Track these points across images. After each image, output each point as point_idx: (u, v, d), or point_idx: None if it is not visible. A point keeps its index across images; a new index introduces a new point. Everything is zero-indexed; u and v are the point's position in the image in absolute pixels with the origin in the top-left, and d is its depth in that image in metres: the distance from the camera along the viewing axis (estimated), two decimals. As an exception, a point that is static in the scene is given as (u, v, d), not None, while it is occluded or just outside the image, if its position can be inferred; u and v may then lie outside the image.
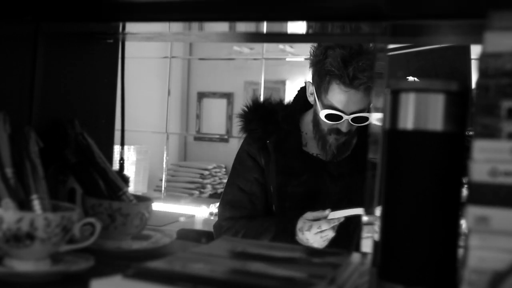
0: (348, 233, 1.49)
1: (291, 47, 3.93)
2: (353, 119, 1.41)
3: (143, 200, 0.90)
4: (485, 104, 0.54)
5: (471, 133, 0.56)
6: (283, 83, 4.05)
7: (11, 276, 0.68)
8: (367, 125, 1.43)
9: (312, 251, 0.74)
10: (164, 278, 0.56)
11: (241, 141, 1.58)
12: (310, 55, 1.48)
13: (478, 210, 0.53)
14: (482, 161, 0.53)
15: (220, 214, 1.57)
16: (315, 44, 1.45)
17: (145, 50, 3.62)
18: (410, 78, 2.20)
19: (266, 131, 1.49)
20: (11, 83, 0.92)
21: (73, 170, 0.89)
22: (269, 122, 1.50)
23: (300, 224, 1.41)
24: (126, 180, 0.93)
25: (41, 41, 0.95)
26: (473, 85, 0.56)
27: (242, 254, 0.68)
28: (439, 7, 0.69)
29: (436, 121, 0.59)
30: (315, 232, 1.37)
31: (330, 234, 1.38)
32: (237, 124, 1.57)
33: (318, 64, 1.42)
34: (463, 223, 0.56)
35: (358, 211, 1.36)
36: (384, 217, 0.62)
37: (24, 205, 0.72)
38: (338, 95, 1.40)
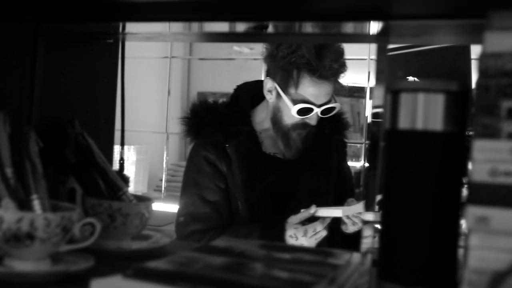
0: (338, 230, 1.49)
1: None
2: (322, 111, 1.42)
3: (143, 200, 0.90)
4: (485, 104, 0.54)
5: (471, 133, 0.56)
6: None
7: (11, 276, 0.68)
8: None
9: (312, 251, 0.74)
10: (164, 278, 0.56)
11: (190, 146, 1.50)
12: (268, 52, 1.44)
13: (478, 210, 0.53)
14: (482, 161, 0.53)
15: (182, 227, 1.45)
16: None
17: (145, 50, 3.62)
18: (410, 78, 2.20)
19: (226, 134, 1.42)
20: (11, 83, 0.92)
21: (73, 170, 0.89)
22: (227, 125, 1.43)
23: (291, 231, 1.37)
24: (126, 180, 0.93)
25: (41, 41, 0.95)
26: (473, 85, 0.56)
27: (242, 254, 0.68)
28: (439, 7, 0.69)
29: (436, 121, 0.59)
30: (311, 236, 1.36)
31: (324, 233, 1.37)
32: (182, 130, 1.47)
33: (284, 59, 1.39)
34: (463, 223, 0.56)
35: (341, 210, 1.37)
36: (384, 217, 0.62)
37: (24, 205, 0.72)
38: (310, 88, 1.39)
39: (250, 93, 1.54)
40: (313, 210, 1.37)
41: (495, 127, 0.53)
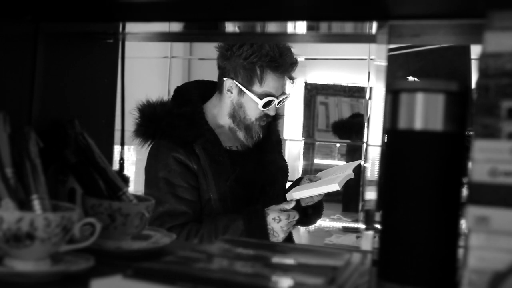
0: (305, 211, 1.64)
1: (291, 47, 3.92)
2: (279, 102, 1.57)
3: (143, 200, 0.90)
4: (485, 104, 0.54)
5: (471, 133, 0.56)
6: (283, 82, 4.04)
7: (11, 276, 0.68)
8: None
9: (312, 251, 0.74)
10: (164, 278, 0.56)
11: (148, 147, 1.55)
12: (223, 54, 1.56)
13: (478, 210, 0.53)
14: (482, 161, 0.53)
15: (158, 226, 1.49)
16: (223, 44, 1.57)
17: (145, 50, 3.62)
18: (410, 78, 2.20)
19: (194, 134, 1.50)
20: (11, 83, 0.92)
21: (73, 170, 0.89)
22: (193, 124, 1.52)
23: (274, 214, 1.48)
24: (126, 180, 0.93)
25: (41, 41, 0.95)
26: (473, 85, 0.56)
27: (241, 255, 0.68)
28: (439, 7, 0.69)
29: (436, 121, 0.59)
30: (290, 220, 1.48)
31: (297, 215, 1.50)
32: (138, 131, 1.52)
33: (247, 59, 1.51)
34: (463, 223, 0.56)
35: (336, 184, 1.48)
36: (384, 217, 0.62)
37: (24, 205, 0.72)
38: (273, 82, 1.54)
39: (199, 93, 1.62)
40: (293, 204, 1.50)
41: (495, 127, 0.53)
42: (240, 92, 1.55)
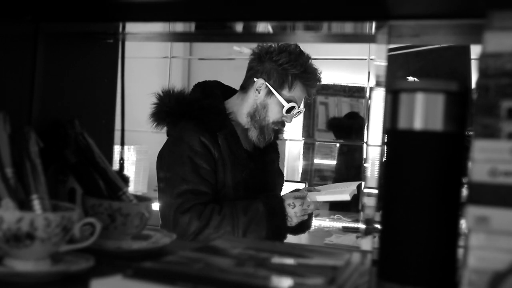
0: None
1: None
2: (297, 112, 1.67)
3: (143, 200, 0.90)
4: (485, 104, 0.54)
5: (471, 133, 0.56)
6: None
7: (11, 276, 0.68)
8: None
9: (312, 251, 0.74)
10: (164, 278, 0.56)
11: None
12: (263, 55, 1.64)
13: (478, 210, 0.53)
14: (482, 161, 0.53)
15: (183, 203, 1.51)
16: (263, 44, 1.66)
17: (145, 50, 3.62)
18: (410, 78, 2.20)
19: (220, 124, 1.59)
20: (11, 83, 0.92)
21: (73, 170, 0.89)
22: (220, 115, 1.61)
23: (290, 200, 1.57)
24: (126, 180, 0.93)
25: (41, 41, 0.95)
26: (473, 85, 0.56)
27: (241, 255, 0.68)
28: (439, 7, 0.69)
29: (436, 121, 0.59)
30: (305, 208, 1.58)
31: (313, 209, 1.63)
32: (162, 112, 1.60)
33: (283, 65, 1.61)
34: (463, 223, 0.56)
35: (347, 194, 1.62)
36: (384, 217, 0.62)
37: (24, 205, 0.72)
38: (299, 92, 1.65)
39: (220, 91, 1.71)
40: (306, 193, 1.61)
41: (495, 127, 0.53)
42: (268, 93, 1.64)
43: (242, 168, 1.59)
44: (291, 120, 1.68)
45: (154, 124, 1.64)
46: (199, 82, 1.74)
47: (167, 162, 1.60)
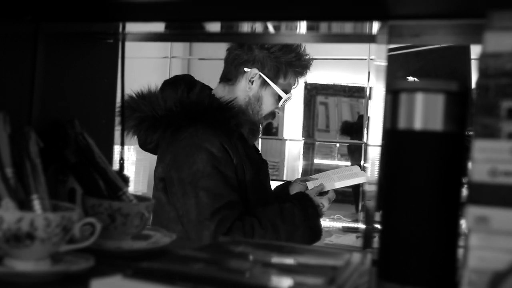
0: None
1: None
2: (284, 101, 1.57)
3: (143, 200, 0.90)
4: (485, 104, 0.54)
5: (471, 133, 0.56)
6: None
7: (11, 276, 0.68)
8: None
9: (312, 251, 0.74)
10: (163, 278, 0.56)
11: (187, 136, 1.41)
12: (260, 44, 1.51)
13: (478, 210, 0.53)
14: (482, 161, 0.53)
15: (222, 222, 1.34)
16: None
17: (145, 50, 3.62)
18: (410, 78, 2.20)
19: (237, 124, 1.45)
20: (11, 83, 0.92)
21: (73, 170, 0.89)
22: (232, 116, 1.44)
23: (317, 201, 1.52)
24: (126, 180, 0.93)
25: (41, 41, 0.95)
26: (473, 85, 0.56)
27: (241, 255, 0.68)
28: (439, 7, 0.69)
29: (436, 121, 0.59)
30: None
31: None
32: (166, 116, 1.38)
33: (273, 52, 1.50)
34: (463, 223, 0.56)
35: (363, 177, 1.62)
36: (384, 217, 0.62)
37: (24, 205, 0.72)
38: (292, 79, 1.56)
39: (200, 84, 1.56)
40: (322, 184, 1.58)
41: (495, 127, 0.53)
42: (263, 84, 1.51)
43: (257, 171, 1.49)
44: (281, 110, 1.59)
45: (139, 134, 1.42)
46: (167, 80, 1.59)
47: (186, 174, 1.38)
